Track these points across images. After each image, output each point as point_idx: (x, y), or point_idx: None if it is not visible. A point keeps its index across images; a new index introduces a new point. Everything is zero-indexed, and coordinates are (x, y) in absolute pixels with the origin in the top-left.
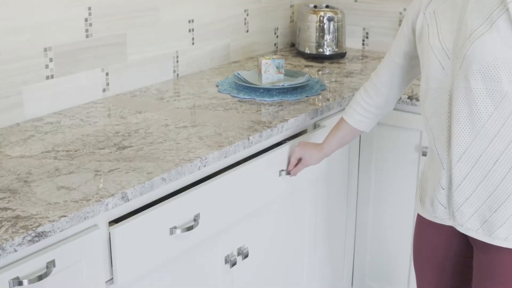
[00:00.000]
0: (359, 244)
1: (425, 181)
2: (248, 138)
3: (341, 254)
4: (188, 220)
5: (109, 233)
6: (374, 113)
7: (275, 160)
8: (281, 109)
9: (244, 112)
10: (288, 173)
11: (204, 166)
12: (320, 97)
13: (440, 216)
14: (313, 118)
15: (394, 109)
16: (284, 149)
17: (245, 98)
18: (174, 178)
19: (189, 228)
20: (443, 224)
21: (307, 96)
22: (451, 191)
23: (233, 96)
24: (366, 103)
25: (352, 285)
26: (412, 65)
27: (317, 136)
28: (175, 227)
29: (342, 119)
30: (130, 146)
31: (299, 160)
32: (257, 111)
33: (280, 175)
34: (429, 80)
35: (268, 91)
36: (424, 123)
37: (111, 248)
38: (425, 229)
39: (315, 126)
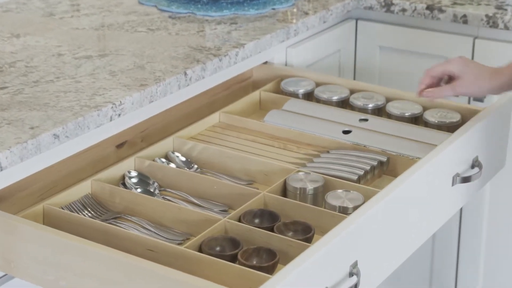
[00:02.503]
0: None
1: None
2: (185, 73)
3: None
4: (343, 274)
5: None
6: None
7: (448, 159)
8: (235, 29)
9: (178, 33)
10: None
11: (119, 115)
12: (294, 9)
13: None
14: (283, 41)
15: (407, 25)
16: (462, 140)
17: (180, 13)
18: (72, 135)
19: None
20: None
21: (273, 9)
22: None
23: (162, 10)
24: None
25: None
26: None
27: None
28: None
29: None
30: (3, 88)
31: (448, 80)
32: (198, 32)
33: (454, 182)
34: None
35: (214, 2)
36: None
37: None
38: None
39: (287, 53)
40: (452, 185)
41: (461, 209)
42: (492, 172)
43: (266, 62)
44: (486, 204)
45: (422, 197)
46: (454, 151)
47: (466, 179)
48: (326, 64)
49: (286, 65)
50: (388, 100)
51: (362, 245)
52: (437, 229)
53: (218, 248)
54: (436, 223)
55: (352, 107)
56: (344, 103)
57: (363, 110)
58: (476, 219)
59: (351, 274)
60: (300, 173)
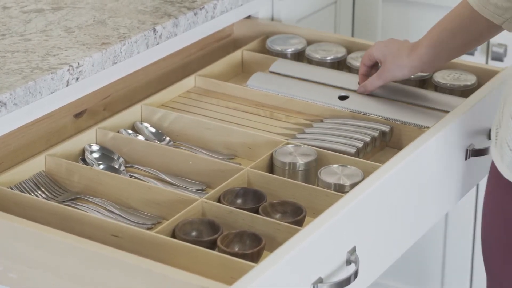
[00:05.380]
0: None
1: None
2: (154, 29)
3: None
4: (340, 262)
5: None
6: None
7: (461, 128)
8: None
9: None
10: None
11: (77, 79)
12: None
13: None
14: None
15: None
16: (478, 106)
17: None
18: (22, 102)
19: (346, 282)
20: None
21: None
22: None
23: None
24: None
25: None
26: None
27: None
28: (321, 281)
29: (463, 2)
30: None
31: (374, 66)
32: None
33: (468, 156)
34: None
35: None
36: None
37: None
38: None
39: (273, 6)
40: (466, 158)
41: (477, 188)
42: None
43: (249, 17)
44: None
45: (430, 172)
46: (469, 119)
47: (482, 152)
48: (320, 19)
49: (272, 19)
50: None
51: (361, 229)
52: (449, 210)
53: (194, 233)
54: (447, 202)
55: (349, 69)
56: (340, 64)
57: None
58: None
59: (348, 262)
60: (289, 145)
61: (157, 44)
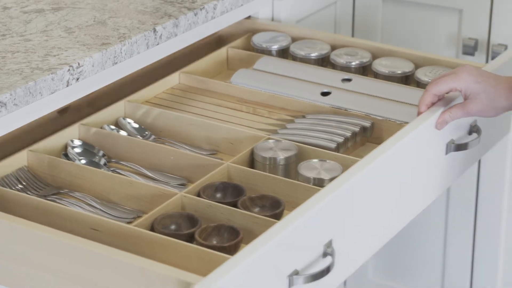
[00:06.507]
0: None
1: None
2: (155, 30)
3: None
4: (316, 255)
5: None
6: None
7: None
8: None
9: None
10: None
11: (77, 79)
12: None
13: None
14: None
15: None
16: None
17: None
18: (22, 102)
19: (321, 274)
20: None
21: None
22: None
23: None
24: None
25: None
26: None
27: None
28: (297, 273)
29: None
30: None
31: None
32: None
33: (448, 150)
34: None
35: None
36: None
37: None
38: None
39: (273, 6)
40: (446, 153)
41: (477, 188)
42: (494, 138)
43: (249, 17)
44: (507, 182)
45: (410, 167)
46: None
47: (461, 147)
48: (320, 19)
49: (272, 20)
50: (374, 57)
51: (338, 222)
52: (428, 205)
53: (173, 227)
54: (427, 197)
55: (333, 66)
56: (324, 61)
57: (346, 68)
58: (494, 199)
59: (325, 255)
60: (270, 140)
61: (158, 44)
